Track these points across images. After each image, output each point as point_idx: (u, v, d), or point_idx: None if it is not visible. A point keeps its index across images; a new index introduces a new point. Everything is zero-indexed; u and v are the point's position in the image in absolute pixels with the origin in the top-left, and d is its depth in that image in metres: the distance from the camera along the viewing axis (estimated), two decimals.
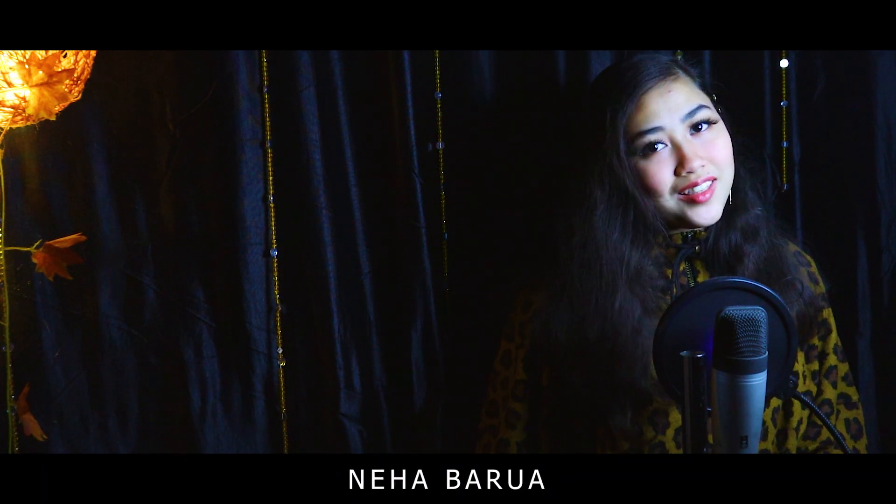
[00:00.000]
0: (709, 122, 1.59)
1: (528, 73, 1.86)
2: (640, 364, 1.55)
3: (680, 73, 1.62)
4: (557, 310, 1.61)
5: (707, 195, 1.57)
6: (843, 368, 1.73)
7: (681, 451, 1.57)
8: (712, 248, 1.63)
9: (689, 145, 1.57)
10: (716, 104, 1.65)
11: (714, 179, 1.58)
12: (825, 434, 1.68)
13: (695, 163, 1.56)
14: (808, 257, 1.75)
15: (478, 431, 1.76)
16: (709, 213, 1.59)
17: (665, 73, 1.60)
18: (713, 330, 1.24)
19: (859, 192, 1.91)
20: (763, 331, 1.22)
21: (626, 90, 1.58)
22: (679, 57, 1.70)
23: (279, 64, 1.80)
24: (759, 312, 1.22)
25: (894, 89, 1.89)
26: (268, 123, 1.81)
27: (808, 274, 1.70)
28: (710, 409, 1.27)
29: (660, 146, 1.57)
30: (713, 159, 1.58)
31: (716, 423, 1.26)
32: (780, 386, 1.32)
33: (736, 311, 1.22)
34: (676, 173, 1.57)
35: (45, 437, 1.76)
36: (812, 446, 1.68)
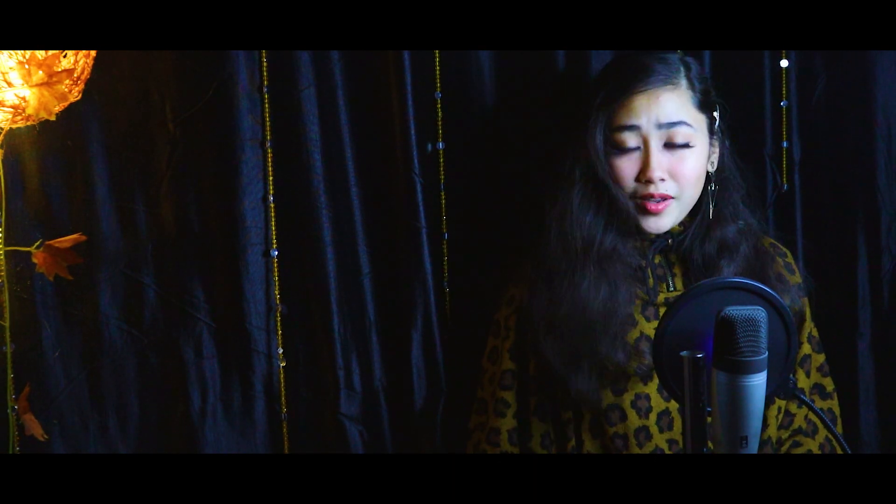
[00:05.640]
0: (685, 146, 1.62)
1: (528, 73, 1.86)
2: (609, 337, 1.61)
3: (682, 82, 1.64)
4: (537, 285, 1.66)
5: (660, 208, 1.63)
6: (819, 359, 1.75)
7: (665, 436, 1.63)
8: (685, 255, 1.68)
9: (657, 156, 1.62)
10: (714, 122, 1.67)
11: (671, 198, 1.63)
12: (797, 423, 1.71)
13: (655, 174, 1.61)
14: (784, 248, 1.78)
15: (468, 431, 1.77)
16: (657, 224, 1.64)
17: (666, 80, 1.62)
18: (713, 330, 1.24)
19: (859, 192, 1.91)
20: (763, 331, 1.22)
21: (622, 84, 1.63)
22: (690, 61, 1.67)
23: (279, 64, 1.80)
24: (759, 312, 1.22)
25: (894, 89, 1.89)
26: (268, 123, 1.81)
27: (784, 264, 1.74)
28: (710, 409, 1.27)
29: (632, 146, 1.62)
30: (676, 176, 1.62)
31: (716, 423, 1.26)
32: (780, 386, 1.32)
33: (736, 311, 1.22)
34: (638, 179, 1.63)
35: (45, 437, 1.76)
36: (784, 434, 1.71)
